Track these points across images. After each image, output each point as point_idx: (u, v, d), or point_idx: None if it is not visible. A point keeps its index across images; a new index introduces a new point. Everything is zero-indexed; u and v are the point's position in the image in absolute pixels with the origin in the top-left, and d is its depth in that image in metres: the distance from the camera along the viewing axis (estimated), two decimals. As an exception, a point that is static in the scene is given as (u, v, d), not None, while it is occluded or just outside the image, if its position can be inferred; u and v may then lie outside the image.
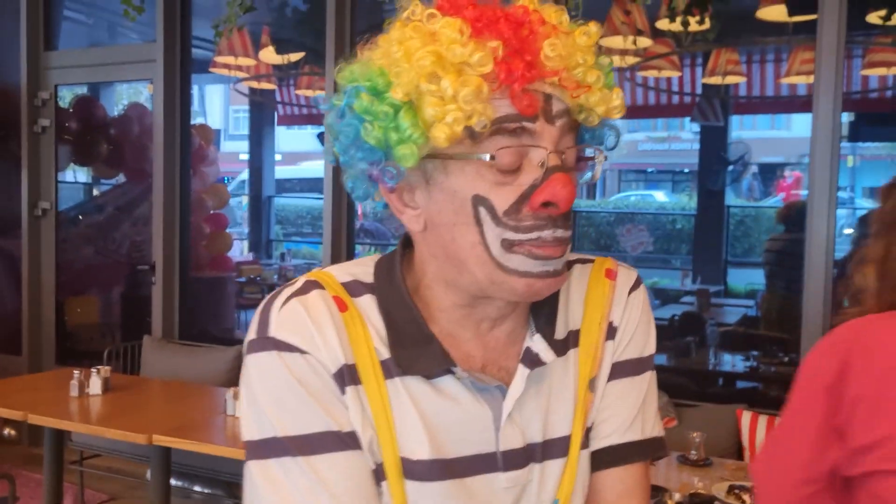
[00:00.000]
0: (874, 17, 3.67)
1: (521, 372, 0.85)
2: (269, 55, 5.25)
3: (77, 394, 3.25)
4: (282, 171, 12.30)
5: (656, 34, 4.22)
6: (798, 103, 7.03)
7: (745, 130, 12.36)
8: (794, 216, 5.76)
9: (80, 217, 5.88)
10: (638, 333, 0.93)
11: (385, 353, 0.83)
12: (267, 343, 0.81)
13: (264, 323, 0.82)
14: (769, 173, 13.91)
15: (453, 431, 0.83)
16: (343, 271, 0.88)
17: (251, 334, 0.83)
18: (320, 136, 7.89)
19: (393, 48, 0.79)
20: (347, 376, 0.81)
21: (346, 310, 0.83)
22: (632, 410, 0.92)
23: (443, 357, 0.83)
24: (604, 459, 0.92)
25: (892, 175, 1.32)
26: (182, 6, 4.51)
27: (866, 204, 12.08)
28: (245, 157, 11.01)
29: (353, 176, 0.85)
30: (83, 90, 5.81)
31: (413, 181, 0.83)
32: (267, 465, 0.80)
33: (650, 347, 0.95)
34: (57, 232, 5.01)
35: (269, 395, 0.81)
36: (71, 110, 5.45)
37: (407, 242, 0.90)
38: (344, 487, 0.79)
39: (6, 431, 4.85)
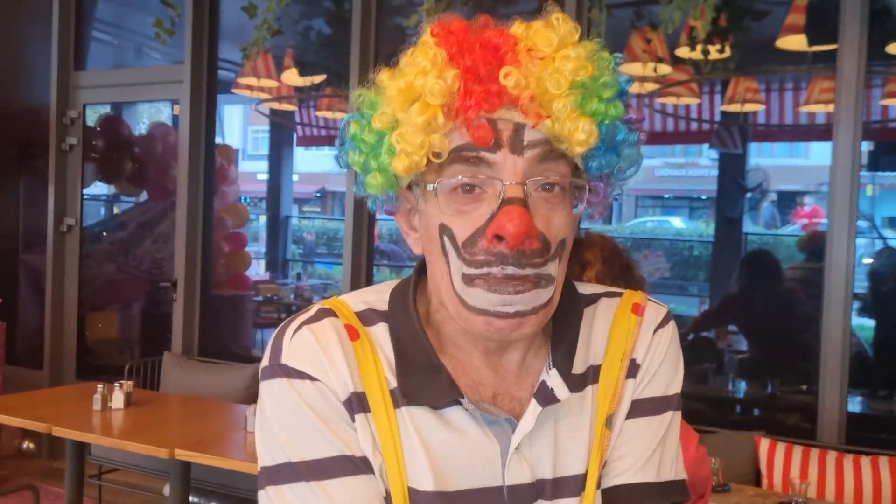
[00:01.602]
0: (894, 48, 3.70)
1: (534, 408, 0.83)
2: (292, 77, 5.33)
3: (100, 408, 3.29)
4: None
5: (676, 61, 4.26)
6: (817, 132, 7.04)
7: (764, 158, 12.37)
8: (817, 245, 5.76)
9: (104, 234, 5.96)
10: (661, 372, 0.89)
11: (394, 383, 0.82)
12: (279, 370, 0.82)
13: (277, 350, 0.83)
14: (787, 201, 13.89)
15: (458, 464, 0.82)
16: (358, 299, 0.87)
17: (265, 361, 0.84)
18: (338, 158, 7.96)
19: (385, 77, 0.80)
20: (356, 404, 0.81)
21: (357, 338, 0.83)
22: (647, 450, 0.87)
23: (450, 387, 0.81)
24: (614, 499, 0.87)
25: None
26: (210, 29, 4.60)
27: (886, 233, 12.03)
28: (263, 176, 11.13)
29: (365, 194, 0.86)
30: (106, 109, 5.91)
31: (413, 204, 0.84)
32: (280, 491, 0.80)
33: (675, 387, 0.90)
34: (81, 248, 5.08)
35: (280, 421, 0.81)
36: (98, 129, 5.54)
37: (422, 268, 0.89)
38: None
39: (25, 445, 4.90)
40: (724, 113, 6.44)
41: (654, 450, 0.88)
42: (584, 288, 0.92)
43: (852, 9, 3.21)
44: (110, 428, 3.13)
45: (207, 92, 4.64)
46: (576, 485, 0.85)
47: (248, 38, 3.89)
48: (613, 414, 0.87)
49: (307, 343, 0.82)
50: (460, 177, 0.76)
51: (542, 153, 0.77)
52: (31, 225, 5.21)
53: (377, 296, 0.88)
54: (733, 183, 7.89)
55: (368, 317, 0.86)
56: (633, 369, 0.88)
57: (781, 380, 4.22)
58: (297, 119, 8.05)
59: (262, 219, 11.11)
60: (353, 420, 0.81)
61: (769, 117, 6.82)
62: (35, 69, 5.14)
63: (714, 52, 3.64)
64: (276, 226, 9.78)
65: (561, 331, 0.86)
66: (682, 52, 3.93)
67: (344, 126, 0.83)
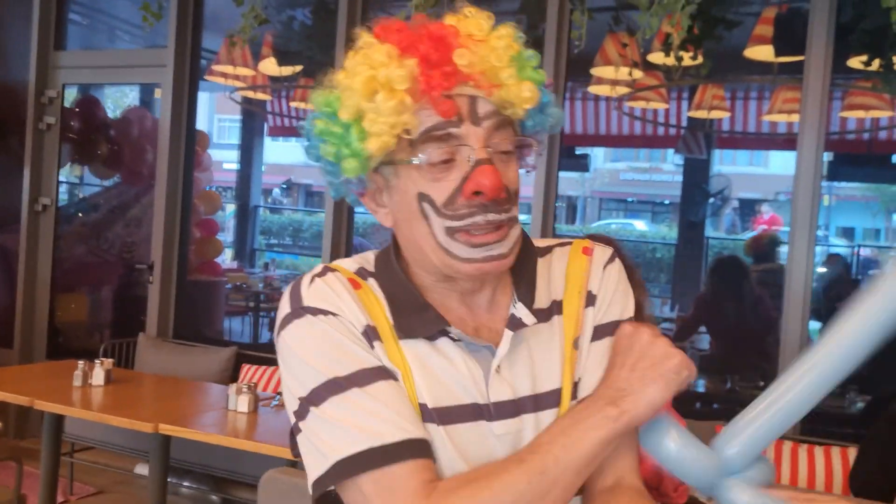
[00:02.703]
0: (856, 62, 3.87)
1: (507, 334, 0.98)
2: (269, 66, 5.35)
3: (80, 383, 3.32)
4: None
5: (647, 66, 4.40)
6: (778, 141, 7.26)
7: (726, 165, 12.65)
8: (764, 248, 5.96)
9: (80, 215, 5.94)
10: (615, 299, 1.05)
11: (392, 322, 0.97)
12: (303, 312, 0.94)
13: (296, 298, 0.96)
14: (747, 209, 14.22)
15: (450, 385, 0.96)
16: (350, 262, 1.03)
17: (285, 310, 0.96)
18: (308, 152, 7.98)
19: (341, 76, 0.94)
20: (371, 334, 0.95)
21: (359, 288, 0.98)
22: None
23: (438, 319, 0.97)
24: None
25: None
26: (195, 15, 4.63)
27: (840, 242, 12.41)
28: (231, 166, 11.07)
29: (330, 183, 1.01)
30: (74, 92, 5.87)
31: (380, 184, 0.98)
32: (322, 410, 0.91)
33: (628, 311, 1.06)
34: (55, 228, 5.07)
35: (312, 350, 0.93)
36: (75, 109, 5.53)
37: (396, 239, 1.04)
38: (399, 405, 0.92)
39: (-7, 423, 4.88)
40: (690, 119, 6.62)
41: None
42: (539, 242, 1.09)
43: (819, 21, 3.36)
44: (91, 404, 3.17)
45: (190, 76, 4.67)
46: (554, 398, 1.00)
47: (225, 26, 3.93)
48: (579, 336, 1.03)
49: (322, 289, 0.96)
50: (440, 153, 0.91)
51: (495, 123, 0.93)
52: (4, 204, 5.18)
53: (365, 260, 1.04)
54: (696, 188, 8.10)
55: (362, 273, 1.02)
56: (590, 299, 1.05)
57: (740, 376, 4.40)
58: (269, 109, 8.06)
59: (230, 208, 11.08)
60: (372, 347, 0.95)
61: (733, 125, 7.02)
62: (15, 48, 5.11)
63: (687, 59, 3.79)
64: (245, 216, 9.77)
65: (519, 272, 1.02)
66: (655, 57, 4.07)
67: (309, 125, 0.98)
